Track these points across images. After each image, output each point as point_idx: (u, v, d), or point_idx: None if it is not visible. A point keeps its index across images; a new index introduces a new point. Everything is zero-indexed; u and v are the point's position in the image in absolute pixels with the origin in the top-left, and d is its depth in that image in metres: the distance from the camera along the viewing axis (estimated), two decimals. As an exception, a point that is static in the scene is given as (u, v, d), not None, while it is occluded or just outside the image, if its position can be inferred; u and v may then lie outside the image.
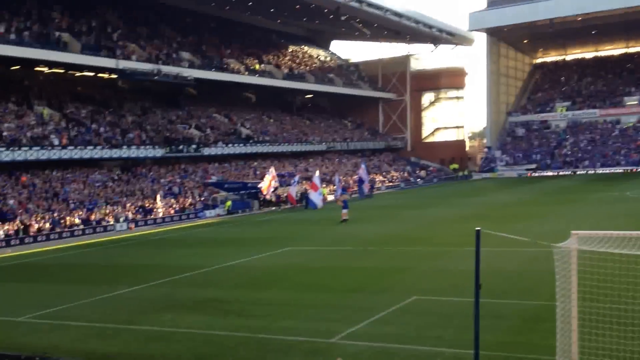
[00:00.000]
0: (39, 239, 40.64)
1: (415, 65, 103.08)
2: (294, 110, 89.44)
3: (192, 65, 66.69)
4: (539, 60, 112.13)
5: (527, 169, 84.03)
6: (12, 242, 39.29)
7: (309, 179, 61.80)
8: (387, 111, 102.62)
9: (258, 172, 66.34)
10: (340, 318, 16.19)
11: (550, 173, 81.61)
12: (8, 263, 31.85)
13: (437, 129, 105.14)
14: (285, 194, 57.07)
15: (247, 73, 74.84)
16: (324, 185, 61.92)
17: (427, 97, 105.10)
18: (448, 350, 12.94)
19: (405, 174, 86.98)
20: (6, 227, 40.21)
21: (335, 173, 65.89)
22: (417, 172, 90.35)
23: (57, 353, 14.11)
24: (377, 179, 77.54)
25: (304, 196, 55.40)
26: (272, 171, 54.99)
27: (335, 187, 56.68)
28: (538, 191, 56.99)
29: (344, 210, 40.32)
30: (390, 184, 79.83)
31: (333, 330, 15.05)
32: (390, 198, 62.03)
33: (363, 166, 62.32)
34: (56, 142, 50.36)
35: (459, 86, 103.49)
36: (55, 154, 49.60)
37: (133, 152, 56.42)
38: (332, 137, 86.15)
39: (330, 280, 21.54)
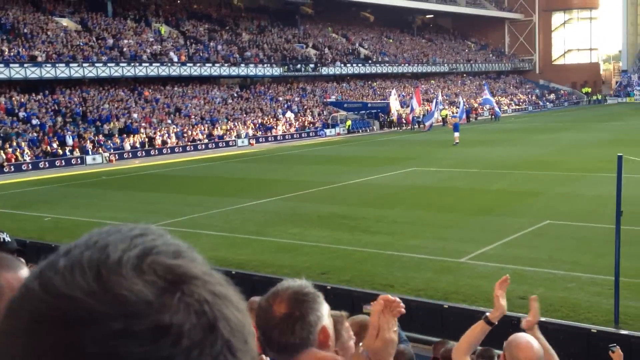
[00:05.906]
0: (164, 151, 42.42)
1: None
2: (414, 31, 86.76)
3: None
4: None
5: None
6: (139, 154, 41.17)
7: (429, 100, 60.39)
8: (513, 32, 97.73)
9: (378, 93, 65.46)
10: (469, 239, 15.78)
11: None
12: (136, 173, 33.32)
13: (569, 50, 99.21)
14: (405, 115, 56.59)
15: (365, -9, 73.08)
16: (445, 107, 60.40)
17: (557, 18, 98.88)
18: (584, 275, 12.48)
19: (534, 97, 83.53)
20: (132, 139, 42.10)
21: (458, 95, 64.03)
22: (547, 95, 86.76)
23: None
24: (502, 102, 74.94)
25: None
26: (394, 92, 54.90)
27: (459, 109, 55.14)
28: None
29: (456, 134, 39.86)
30: (517, 107, 77.05)
31: (462, 250, 14.71)
32: (518, 121, 59.80)
33: (486, 88, 60.28)
34: (175, 59, 51.45)
35: (593, 6, 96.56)
36: (174, 71, 50.73)
37: (251, 70, 56.94)
38: (454, 59, 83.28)
39: (457, 201, 20.98)
